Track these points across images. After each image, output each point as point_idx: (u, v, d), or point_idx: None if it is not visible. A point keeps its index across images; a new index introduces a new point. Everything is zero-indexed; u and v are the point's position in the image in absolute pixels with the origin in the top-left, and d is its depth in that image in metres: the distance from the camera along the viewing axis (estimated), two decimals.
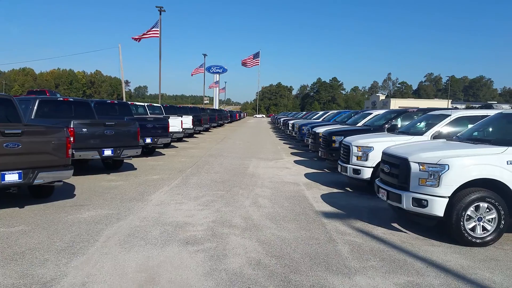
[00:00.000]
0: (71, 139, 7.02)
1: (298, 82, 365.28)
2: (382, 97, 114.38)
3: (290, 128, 25.54)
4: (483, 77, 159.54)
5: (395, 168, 5.73)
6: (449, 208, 5.03)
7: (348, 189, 8.86)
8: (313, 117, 26.94)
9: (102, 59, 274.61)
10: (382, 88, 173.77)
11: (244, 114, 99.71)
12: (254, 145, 20.03)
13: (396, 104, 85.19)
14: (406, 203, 5.34)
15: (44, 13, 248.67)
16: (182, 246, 4.79)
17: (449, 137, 7.22)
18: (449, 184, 5.03)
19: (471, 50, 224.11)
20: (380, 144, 7.67)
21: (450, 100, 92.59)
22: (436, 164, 5.13)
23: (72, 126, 8.64)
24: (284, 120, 33.43)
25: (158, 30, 35.51)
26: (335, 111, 24.68)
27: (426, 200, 5.13)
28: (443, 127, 7.93)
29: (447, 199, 5.04)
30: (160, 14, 35.84)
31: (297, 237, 5.27)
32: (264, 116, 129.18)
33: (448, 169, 5.03)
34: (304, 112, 44.34)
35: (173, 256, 4.44)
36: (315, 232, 5.52)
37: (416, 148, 5.87)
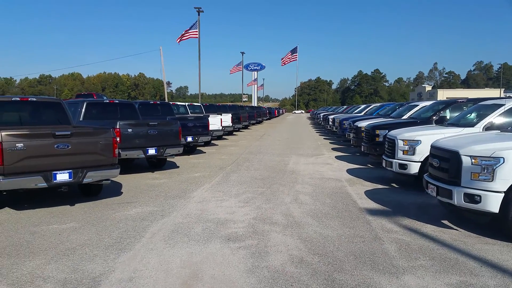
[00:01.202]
0: (117, 139, 7.29)
1: (338, 75, 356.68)
2: (428, 88, 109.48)
3: (330, 123, 25.08)
4: None
5: (445, 162, 5.42)
6: (505, 204, 4.68)
7: (393, 184, 8.54)
8: (355, 111, 26.25)
9: (145, 62, 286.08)
10: (428, 78, 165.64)
11: (283, 111, 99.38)
12: (293, 141, 19.88)
13: (444, 95, 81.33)
14: (458, 199, 5.04)
15: (90, 19, 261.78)
16: (224, 242, 4.81)
17: (503, 128, 6.74)
18: (505, 178, 4.68)
19: None
20: (428, 137, 7.31)
21: (503, 89, 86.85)
22: (489, 157, 4.79)
23: (118, 127, 8.98)
24: (324, 115, 32.87)
25: (197, 31, 36.08)
26: (378, 104, 23.90)
27: (479, 196, 4.81)
28: (496, 118, 7.41)
29: (503, 194, 4.70)
30: (199, 15, 36.45)
31: (340, 234, 5.14)
32: (303, 111, 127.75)
33: (504, 162, 4.68)
34: (345, 106, 43.37)
35: (215, 253, 4.47)
36: (360, 229, 5.35)
37: (468, 141, 5.52)
